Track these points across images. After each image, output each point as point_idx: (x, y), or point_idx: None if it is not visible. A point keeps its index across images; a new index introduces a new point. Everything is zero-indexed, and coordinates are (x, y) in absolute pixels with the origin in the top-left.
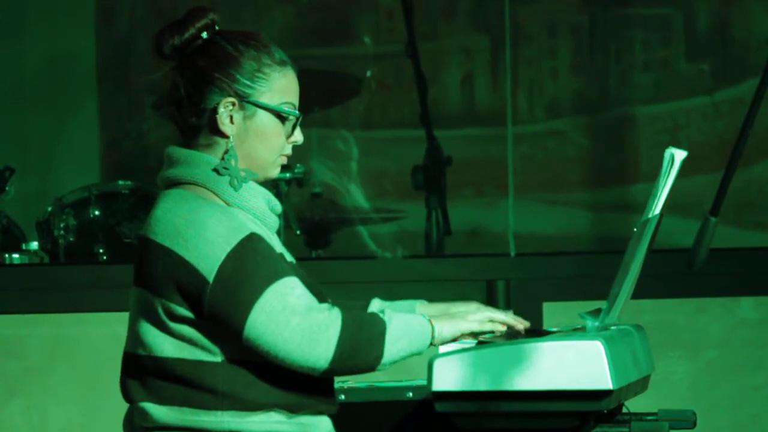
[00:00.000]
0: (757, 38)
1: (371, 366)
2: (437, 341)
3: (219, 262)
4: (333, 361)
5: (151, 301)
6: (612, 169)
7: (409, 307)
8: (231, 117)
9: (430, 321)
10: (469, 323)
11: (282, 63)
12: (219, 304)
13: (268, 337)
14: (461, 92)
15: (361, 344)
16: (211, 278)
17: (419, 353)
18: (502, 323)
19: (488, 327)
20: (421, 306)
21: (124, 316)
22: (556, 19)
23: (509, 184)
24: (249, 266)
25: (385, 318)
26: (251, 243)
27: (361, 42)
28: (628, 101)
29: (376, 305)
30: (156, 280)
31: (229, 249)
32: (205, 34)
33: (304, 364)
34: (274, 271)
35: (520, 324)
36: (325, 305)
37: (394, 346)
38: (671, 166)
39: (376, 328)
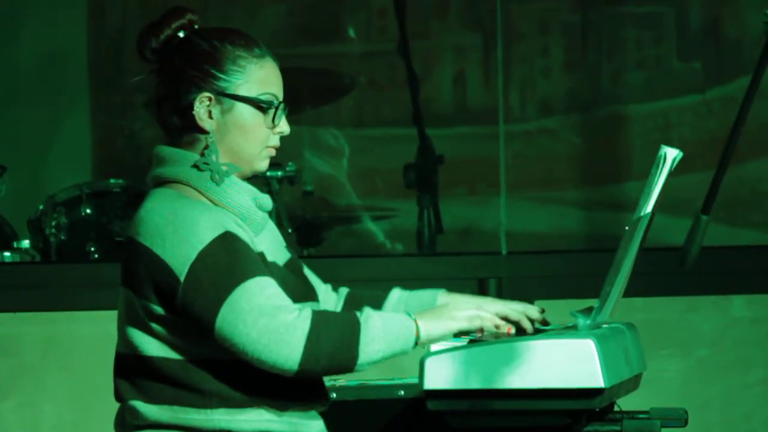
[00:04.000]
0: (749, 36)
1: (347, 367)
2: (424, 341)
3: (190, 261)
4: (302, 363)
5: (134, 301)
6: (604, 168)
7: (431, 297)
8: (209, 112)
9: (415, 321)
10: (459, 322)
11: (260, 55)
12: (190, 303)
13: (236, 337)
14: (453, 90)
15: (332, 345)
16: (182, 277)
17: (404, 353)
18: (493, 324)
19: (477, 325)
20: (443, 296)
21: (116, 315)
22: (548, 18)
23: (501, 182)
24: (220, 265)
25: (361, 318)
26: (224, 241)
27: (353, 40)
28: (620, 99)
29: (395, 295)
30: (137, 280)
31: (201, 247)
32: (182, 34)
33: (274, 365)
34: (245, 270)
35: (510, 329)
36: (296, 306)
37: (370, 347)
38: (663, 165)
39: (349, 328)
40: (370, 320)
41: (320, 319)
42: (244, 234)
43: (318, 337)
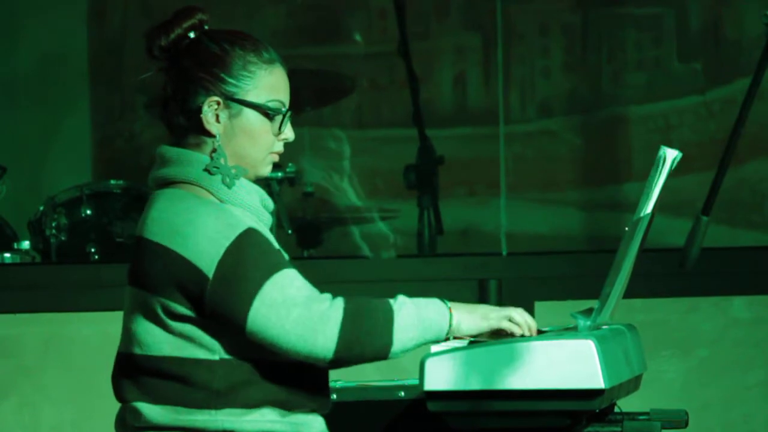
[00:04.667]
0: (748, 37)
1: (381, 354)
2: (454, 331)
3: (218, 258)
4: (337, 351)
5: (149, 300)
6: (604, 169)
7: None
8: (217, 116)
9: (449, 309)
10: (490, 321)
11: (269, 61)
12: (220, 300)
13: (270, 330)
14: (453, 91)
15: (366, 333)
16: (210, 274)
17: (437, 341)
18: (520, 326)
19: (506, 326)
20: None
21: (116, 316)
22: (548, 19)
23: (501, 183)
24: (248, 261)
25: (395, 306)
26: (249, 237)
27: (353, 41)
28: (620, 100)
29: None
30: (154, 279)
31: (227, 244)
32: (192, 34)
33: (309, 355)
34: (274, 263)
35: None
36: (327, 295)
37: (404, 334)
38: (663, 166)
39: (383, 316)
40: (404, 308)
41: (353, 307)
42: (263, 229)
43: (352, 325)
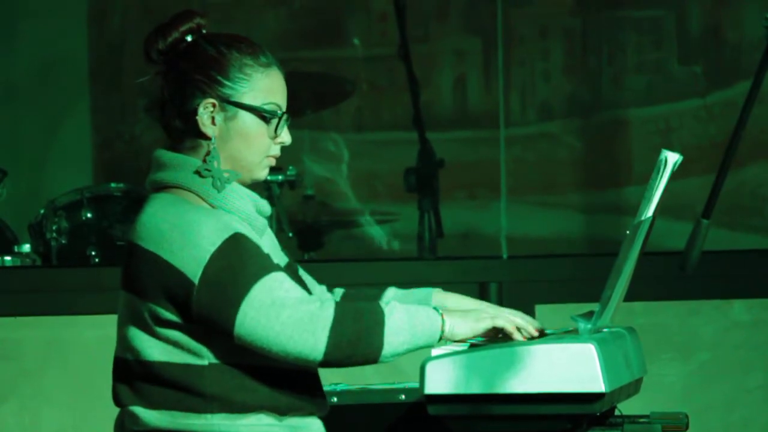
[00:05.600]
0: (749, 40)
1: (372, 357)
2: (448, 336)
3: (204, 264)
4: (327, 353)
5: (138, 305)
6: (604, 172)
7: (425, 295)
8: (212, 118)
9: (441, 315)
10: (484, 322)
11: (266, 64)
12: (207, 305)
13: (260, 332)
14: (454, 94)
15: (356, 335)
16: (196, 280)
17: (429, 346)
18: (517, 327)
19: (500, 324)
20: (437, 294)
21: (116, 319)
22: (548, 22)
23: (502, 186)
24: (235, 265)
25: (386, 309)
26: (236, 242)
27: (353, 44)
28: (620, 103)
29: (391, 293)
30: (142, 284)
31: (213, 249)
32: (189, 38)
33: (299, 356)
34: (261, 266)
35: (535, 331)
36: (315, 297)
37: (395, 338)
38: (664, 169)
39: (373, 318)
40: (395, 312)
41: (343, 309)
42: (251, 234)
43: (342, 326)
